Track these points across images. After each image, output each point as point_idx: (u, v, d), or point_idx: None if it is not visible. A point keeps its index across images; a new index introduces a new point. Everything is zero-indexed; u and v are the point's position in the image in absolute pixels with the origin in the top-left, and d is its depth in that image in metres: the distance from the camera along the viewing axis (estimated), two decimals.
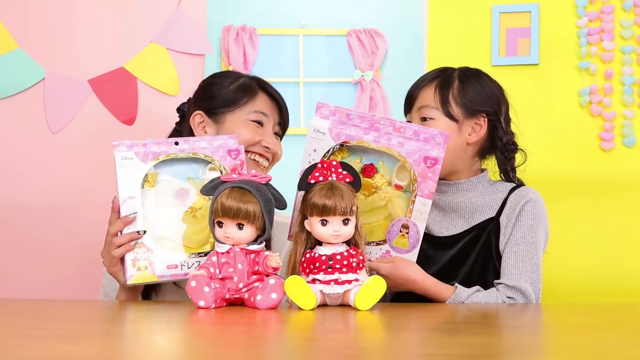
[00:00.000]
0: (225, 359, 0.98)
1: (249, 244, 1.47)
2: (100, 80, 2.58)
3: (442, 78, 1.84)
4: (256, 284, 1.45)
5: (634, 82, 2.56)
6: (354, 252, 1.47)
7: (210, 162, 1.64)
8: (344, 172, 1.50)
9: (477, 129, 1.82)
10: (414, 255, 1.65)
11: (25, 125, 2.56)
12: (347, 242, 1.48)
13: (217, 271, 1.46)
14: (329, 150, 1.61)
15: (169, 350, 1.06)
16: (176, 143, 1.64)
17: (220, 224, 1.47)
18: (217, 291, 1.43)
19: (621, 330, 1.32)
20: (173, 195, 1.63)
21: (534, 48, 2.60)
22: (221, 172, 1.62)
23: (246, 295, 1.45)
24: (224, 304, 1.46)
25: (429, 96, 1.82)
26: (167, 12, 2.62)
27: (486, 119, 1.82)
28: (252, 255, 1.47)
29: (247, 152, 1.82)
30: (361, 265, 1.47)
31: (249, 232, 1.46)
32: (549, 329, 1.28)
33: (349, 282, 1.45)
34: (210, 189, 1.51)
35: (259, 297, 1.42)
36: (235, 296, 1.46)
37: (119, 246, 1.59)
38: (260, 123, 1.87)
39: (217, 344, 1.09)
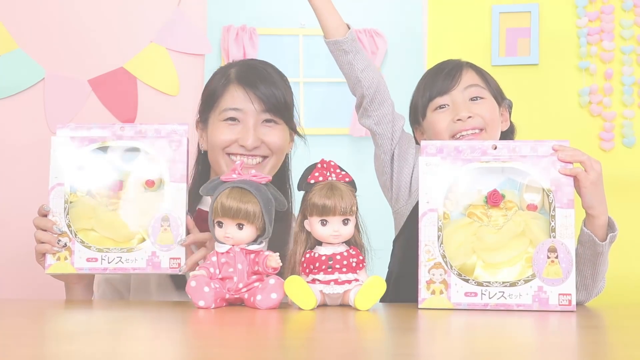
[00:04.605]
0: (225, 359, 0.98)
1: (248, 244, 1.47)
2: (100, 80, 2.58)
3: (466, 64, 1.75)
4: (256, 284, 1.45)
5: (634, 82, 2.56)
6: (354, 252, 1.47)
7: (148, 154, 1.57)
8: (344, 172, 1.50)
9: (503, 119, 1.78)
10: (571, 282, 1.43)
11: (25, 125, 2.56)
12: (347, 242, 1.48)
13: (217, 271, 1.46)
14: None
15: (169, 350, 1.06)
16: (122, 128, 1.58)
17: (220, 224, 1.47)
18: (217, 291, 1.43)
19: (621, 330, 1.32)
20: (106, 185, 1.58)
21: (534, 48, 2.60)
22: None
23: (246, 296, 1.45)
24: (224, 304, 1.46)
25: (472, 76, 1.73)
26: (167, 12, 2.62)
27: (507, 110, 1.79)
28: (252, 255, 1.47)
29: (229, 154, 1.72)
30: (361, 265, 1.47)
31: (248, 232, 1.46)
32: (548, 329, 1.28)
33: (349, 282, 1.45)
34: (210, 189, 1.51)
35: (258, 297, 1.42)
36: (235, 296, 1.46)
37: (41, 242, 1.56)
38: (234, 120, 1.70)
39: (217, 344, 1.09)
